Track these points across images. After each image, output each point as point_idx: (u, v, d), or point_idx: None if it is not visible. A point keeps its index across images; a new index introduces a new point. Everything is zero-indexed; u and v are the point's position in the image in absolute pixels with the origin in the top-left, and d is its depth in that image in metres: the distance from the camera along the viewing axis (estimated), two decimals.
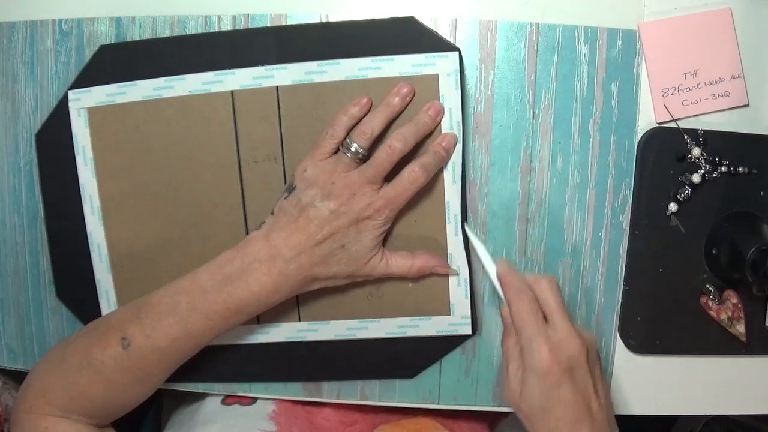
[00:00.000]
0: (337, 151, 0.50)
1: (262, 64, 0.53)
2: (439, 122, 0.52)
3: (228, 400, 0.60)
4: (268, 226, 0.50)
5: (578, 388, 0.45)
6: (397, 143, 0.49)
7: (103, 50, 0.55)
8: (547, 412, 0.45)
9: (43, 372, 0.51)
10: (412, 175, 0.50)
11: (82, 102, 0.55)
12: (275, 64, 0.53)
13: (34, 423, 0.49)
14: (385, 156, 0.49)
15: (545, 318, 0.47)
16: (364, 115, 0.51)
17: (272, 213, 0.51)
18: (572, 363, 0.45)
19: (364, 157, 0.50)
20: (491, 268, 0.51)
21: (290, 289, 0.50)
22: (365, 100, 0.51)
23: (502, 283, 0.49)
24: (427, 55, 0.52)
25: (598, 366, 0.47)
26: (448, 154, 0.52)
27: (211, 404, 0.60)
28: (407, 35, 0.52)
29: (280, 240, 0.49)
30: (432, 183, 0.53)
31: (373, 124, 0.50)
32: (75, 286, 0.58)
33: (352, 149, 0.49)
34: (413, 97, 0.52)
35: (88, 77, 0.55)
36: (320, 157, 0.50)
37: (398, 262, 0.52)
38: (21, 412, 0.50)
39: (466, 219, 0.54)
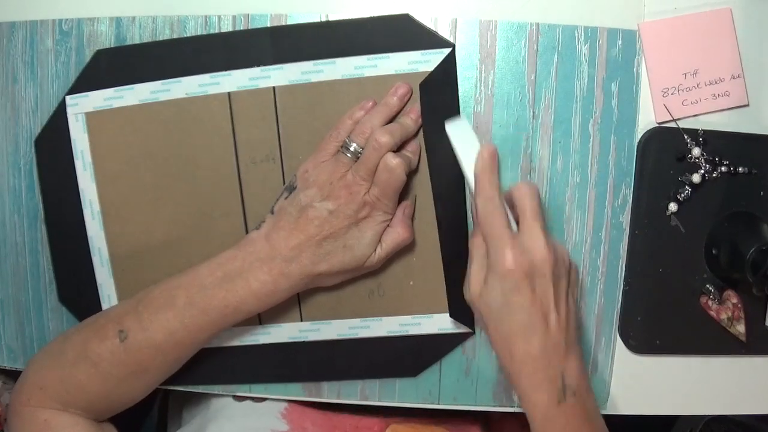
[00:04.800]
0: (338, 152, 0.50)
1: (259, 65, 0.53)
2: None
3: (238, 396, 0.60)
4: (268, 225, 0.50)
5: (537, 296, 0.45)
6: (382, 137, 0.49)
7: (100, 54, 0.55)
8: (503, 315, 0.45)
9: (41, 365, 0.51)
10: (390, 163, 0.49)
11: (80, 107, 0.55)
12: (271, 64, 0.53)
13: (33, 415, 0.49)
14: (373, 151, 0.49)
15: (518, 222, 0.46)
16: None
17: (272, 212, 0.51)
18: (534, 270, 0.44)
19: None
20: (468, 162, 0.48)
21: (291, 289, 0.50)
22: (370, 103, 0.51)
23: (477, 179, 0.48)
24: (423, 52, 0.52)
25: (565, 281, 0.46)
26: (415, 123, 0.52)
27: (222, 399, 0.60)
28: (402, 33, 0.52)
29: (280, 240, 0.49)
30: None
31: (372, 124, 0.50)
32: (77, 290, 0.58)
33: (351, 149, 0.49)
34: (411, 96, 0.52)
35: (86, 81, 0.55)
36: (322, 159, 0.50)
37: (390, 240, 0.52)
38: (18, 405, 0.50)
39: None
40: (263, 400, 0.59)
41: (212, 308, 0.49)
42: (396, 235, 0.52)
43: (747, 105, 0.53)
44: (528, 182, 0.48)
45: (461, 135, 0.50)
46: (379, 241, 0.51)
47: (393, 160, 0.49)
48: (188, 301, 0.49)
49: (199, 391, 0.59)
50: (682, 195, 0.53)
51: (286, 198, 0.50)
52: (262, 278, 0.49)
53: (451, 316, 0.55)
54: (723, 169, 0.53)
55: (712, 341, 0.56)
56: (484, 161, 0.47)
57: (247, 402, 0.59)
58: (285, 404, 0.59)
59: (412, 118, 0.51)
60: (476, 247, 0.48)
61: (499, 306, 0.45)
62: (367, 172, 0.49)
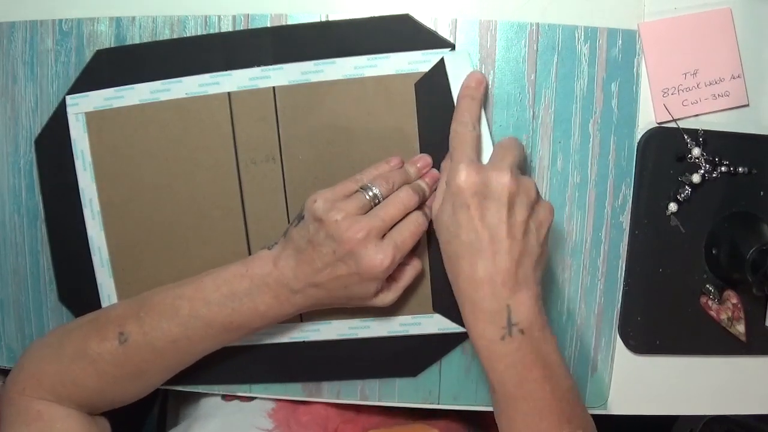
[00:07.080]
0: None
1: (259, 65, 0.53)
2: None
3: (228, 396, 0.60)
4: (279, 248, 0.49)
5: (486, 219, 0.43)
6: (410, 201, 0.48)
7: (100, 54, 0.55)
8: (451, 233, 0.45)
9: (39, 356, 0.51)
10: (419, 225, 0.48)
11: (80, 107, 0.55)
12: (271, 64, 0.53)
13: (28, 405, 0.49)
14: (397, 207, 0.48)
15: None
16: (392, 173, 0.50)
17: (284, 235, 0.50)
18: (488, 192, 0.43)
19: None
20: (455, 83, 0.49)
21: (296, 311, 0.50)
22: (396, 161, 0.51)
23: (457, 104, 0.48)
24: (423, 52, 0.52)
25: (525, 212, 0.44)
26: (430, 189, 0.52)
27: (212, 399, 0.60)
28: (402, 33, 0.52)
29: (288, 269, 0.48)
30: None
31: (395, 179, 0.49)
32: (77, 290, 0.58)
33: (370, 194, 0.48)
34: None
35: (86, 81, 0.55)
36: (334, 195, 0.48)
37: (407, 277, 0.52)
38: (13, 393, 0.50)
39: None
40: (251, 399, 0.59)
41: (216, 322, 0.49)
42: (412, 269, 0.52)
43: (747, 105, 0.53)
44: (513, 136, 0.48)
45: (457, 66, 0.50)
46: (386, 283, 0.51)
47: (423, 219, 0.49)
48: (192, 313, 0.49)
49: (199, 391, 0.59)
50: (682, 195, 0.53)
51: (295, 226, 0.49)
52: (268, 302, 0.48)
53: (433, 309, 0.55)
54: (723, 169, 0.53)
55: (712, 341, 0.56)
56: (468, 87, 0.48)
57: (235, 402, 0.60)
58: (273, 404, 0.59)
59: (427, 183, 0.51)
60: (444, 169, 0.49)
61: (449, 224, 0.45)
62: (382, 227, 0.47)
